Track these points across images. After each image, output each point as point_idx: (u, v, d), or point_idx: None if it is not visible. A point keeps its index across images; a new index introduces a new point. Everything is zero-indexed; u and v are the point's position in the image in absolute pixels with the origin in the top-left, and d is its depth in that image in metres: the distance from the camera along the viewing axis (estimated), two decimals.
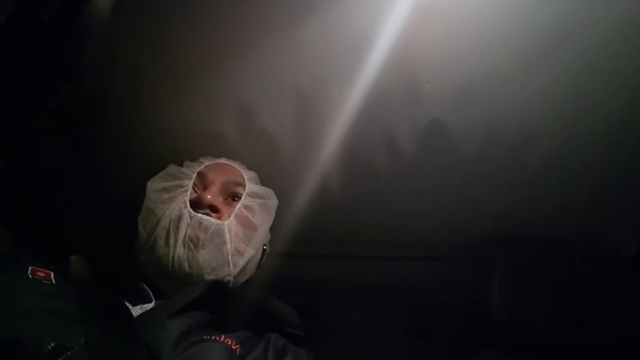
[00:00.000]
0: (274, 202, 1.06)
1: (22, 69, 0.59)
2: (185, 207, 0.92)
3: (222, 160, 1.06)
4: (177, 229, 0.89)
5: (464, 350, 1.06)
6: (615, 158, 1.08)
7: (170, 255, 0.88)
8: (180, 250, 0.88)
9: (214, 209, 0.94)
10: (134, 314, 0.83)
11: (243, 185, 1.01)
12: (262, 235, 1.00)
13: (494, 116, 1.06)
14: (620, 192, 1.12)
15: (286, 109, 1.08)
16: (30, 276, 0.80)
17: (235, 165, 1.06)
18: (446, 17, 0.98)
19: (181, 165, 1.05)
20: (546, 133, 1.06)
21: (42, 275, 0.82)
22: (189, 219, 0.90)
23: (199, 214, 0.91)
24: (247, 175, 1.04)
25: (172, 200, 0.94)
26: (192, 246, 0.89)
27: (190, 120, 1.09)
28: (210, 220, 0.91)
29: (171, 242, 0.89)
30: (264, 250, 1.04)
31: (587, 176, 1.10)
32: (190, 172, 1.00)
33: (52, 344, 0.66)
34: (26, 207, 1.05)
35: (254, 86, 1.06)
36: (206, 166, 1.02)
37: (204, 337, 0.79)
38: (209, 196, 0.94)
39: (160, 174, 1.01)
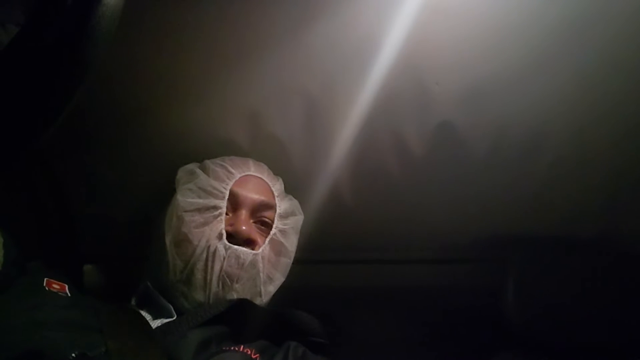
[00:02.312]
0: (300, 218, 1.06)
1: (35, 75, 0.59)
2: (222, 239, 0.90)
3: (252, 171, 1.02)
4: (213, 262, 0.89)
5: (480, 353, 1.05)
6: (629, 157, 1.08)
7: (207, 293, 0.88)
8: (214, 287, 0.89)
9: (249, 241, 0.93)
10: (153, 326, 0.83)
11: (274, 207, 0.99)
12: (291, 260, 1.01)
13: (505, 118, 1.05)
14: (635, 190, 1.11)
15: (295, 114, 1.07)
16: (46, 288, 0.80)
17: (264, 176, 1.03)
18: (454, 18, 0.98)
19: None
20: (558, 134, 1.06)
21: (57, 287, 0.82)
22: (224, 252, 0.89)
23: (235, 247, 0.90)
24: (276, 190, 1.02)
25: (206, 225, 0.91)
26: (227, 282, 0.89)
27: (199, 126, 1.08)
28: (246, 253, 0.91)
29: (207, 277, 0.88)
30: None
31: (601, 176, 1.09)
32: (222, 189, 0.95)
33: (74, 354, 0.66)
34: (39, 217, 1.05)
35: (262, 91, 1.05)
36: (236, 182, 0.98)
37: (224, 348, 0.79)
38: (244, 228, 0.92)
39: (189, 185, 0.96)
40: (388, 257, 1.21)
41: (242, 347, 0.80)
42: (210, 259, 0.89)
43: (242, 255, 0.90)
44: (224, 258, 0.89)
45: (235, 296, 0.89)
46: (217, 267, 0.88)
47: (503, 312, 1.05)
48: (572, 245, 1.13)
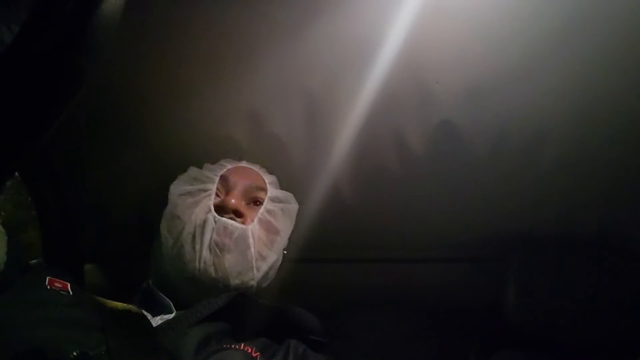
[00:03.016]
0: (294, 206, 1.07)
1: (36, 74, 0.59)
2: (210, 211, 0.93)
3: (244, 164, 1.07)
4: (203, 234, 0.90)
5: (481, 352, 1.06)
6: (629, 156, 1.07)
7: (197, 261, 0.89)
8: (206, 256, 0.89)
9: (238, 214, 0.95)
10: (153, 323, 0.83)
11: (265, 189, 1.02)
12: (284, 239, 1.02)
13: (505, 116, 1.05)
14: (635, 189, 1.10)
15: (296, 113, 1.08)
16: (48, 286, 0.80)
17: (256, 168, 1.07)
18: (455, 17, 0.98)
19: (200, 167, 1.05)
20: (559, 132, 1.05)
21: (60, 286, 0.82)
22: (213, 223, 0.91)
23: (224, 219, 0.92)
24: (268, 179, 1.05)
25: (196, 205, 0.94)
26: (217, 251, 0.90)
27: (200, 126, 1.09)
28: (234, 225, 0.92)
29: (197, 247, 0.90)
30: (283, 255, 1.04)
31: (602, 174, 1.09)
32: (213, 176, 1.00)
33: (75, 353, 0.66)
34: (41, 216, 1.05)
35: (263, 91, 1.06)
36: (228, 170, 1.03)
37: (224, 345, 0.79)
38: (233, 200, 0.95)
39: (183, 176, 1.02)
40: (388, 256, 1.21)
41: (242, 345, 0.81)
42: (199, 230, 0.91)
43: (230, 226, 0.92)
44: (213, 229, 0.91)
45: (226, 266, 0.90)
46: (206, 237, 0.90)
47: (503, 310, 1.05)
48: (573, 244, 1.12)
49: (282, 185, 1.10)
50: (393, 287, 1.18)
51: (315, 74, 1.04)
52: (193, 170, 1.03)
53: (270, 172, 1.09)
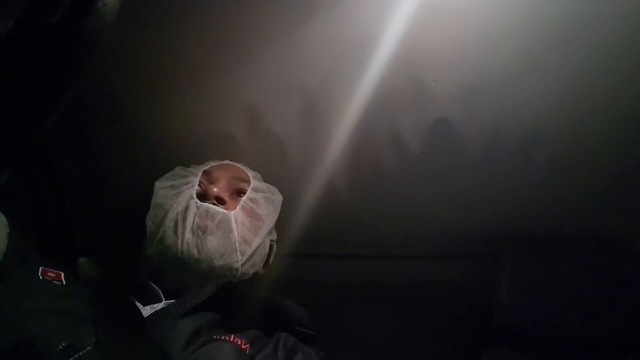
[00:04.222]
0: (278, 197, 1.09)
1: (31, 71, 0.59)
2: (192, 198, 0.95)
3: (227, 162, 1.09)
4: (185, 218, 0.92)
5: (473, 350, 1.06)
6: (622, 156, 1.07)
7: (179, 243, 0.90)
8: (189, 237, 0.90)
9: (220, 200, 0.96)
10: (144, 314, 0.84)
11: (247, 181, 1.04)
12: (268, 226, 1.02)
13: (501, 115, 1.05)
14: (628, 189, 1.11)
15: (292, 111, 1.08)
16: (40, 277, 0.81)
17: (240, 165, 1.08)
18: (451, 16, 0.98)
19: (196, 163, 1.07)
20: (553, 132, 1.06)
21: (53, 275, 0.83)
22: (195, 208, 0.93)
23: (205, 204, 0.94)
24: (251, 174, 1.07)
25: (179, 195, 0.96)
26: (200, 233, 0.91)
27: (197, 123, 1.10)
28: (216, 209, 0.94)
29: (179, 230, 0.91)
30: (271, 246, 1.05)
31: (595, 174, 1.09)
32: (196, 171, 1.03)
33: (63, 344, 0.67)
34: (37, 210, 1.06)
35: (260, 88, 1.06)
36: (212, 166, 1.05)
37: (214, 337, 0.79)
38: (215, 189, 0.97)
39: (167, 174, 1.04)
40: (382, 253, 1.21)
41: (232, 336, 0.81)
42: (181, 216, 0.93)
43: (212, 210, 0.94)
44: (195, 213, 0.93)
45: (209, 246, 0.91)
46: (189, 220, 0.92)
47: (495, 309, 1.05)
48: (565, 242, 1.13)
49: (278, 182, 1.11)
50: (387, 284, 1.19)
51: (312, 71, 1.05)
52: (178, 168, 1.05)
53: (257, 170, 1.10)
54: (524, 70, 1.01)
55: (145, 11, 0.97)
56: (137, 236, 0.98)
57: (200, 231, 0.91)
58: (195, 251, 0.90)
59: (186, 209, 0.93)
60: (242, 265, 0.95)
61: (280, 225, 1.09)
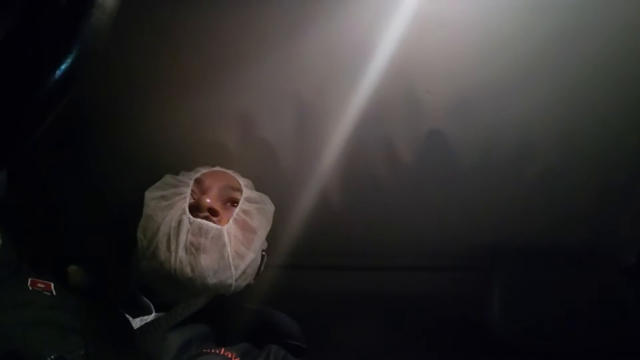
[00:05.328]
0: (270, 207, 1.07)
1: (27, 73, 0.58)
2: (185, 212, 0.92)
3: (218, 168, 1.07)
4: (178, 234, 0.90)
5: None
6: (614, 169, 1.08)
7: (172, 260, 0.88)
8: (182, 255, 0.88)
9: (213, 212, 0.94)
10: (134, 325, 0.83)
11: (240, 190, 1.02)
12: (261, 238, 1.01)
13: (494, 127, 1.06)
14: (619, 202, 1.11)
15: (286, 120, 1.08)
16: (29, 288, 0.80)
17: (231, 172, 1.07)
18: (445, 27, 0.99)
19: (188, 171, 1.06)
20: (546, 144, 1.06)
21: (42, 286, 0.82)
22: (188, 224, 0.91)
23: (198, 219, 0.91)
24: (243, 181, 1.05)
25: (171, 207, 0.94)
26: (193, 250, 0.89)
27: (190, 131, 1.09)
28: (209, 224, 0.92)
29: (172, 247, 0.89)
30: (262, 255, 1.04)
31: (586, 187, 1.10)
32: (188, 180, 1.00)
33: (52, 356, 0.66)
34: (26, 218, 1.05)
35: (253, 97, 1.06)
36: (203, 173, 1.03)
37: (204, 350, 0.79)
38: (207, 200, 0.94)
39: (157, 183, 1.02)
40: (375, 264, 1.20)
41: (222, 350, 0.80)
42: (174, 231, 0.90)
43: (205, 226, 0.91)
44: (189, 230, 0.90)
45: (203, 264, 0.89)
46: (182, 237, 0.89)
47: (487, 320, 1.05)
48: (557, 254, 1.13)
49: (271, 191, 1.09)
50: (379, 295, 1.18)
51: (306, 81, 1.05)
52: (168, 177, 1.04)
53: (249, 179, 1.09)
54: (518, 82, 1.02)
55: (139, 18, 0.97)
56: (128, 244, 0.98)
57: (194, 248, 0.89)
58: (188, 269, 0.88)
59: (179, 224, 0.91)
60: (235, 280, 0.94)
61: (271, 235, 1.08)
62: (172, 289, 0.90)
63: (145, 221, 0.95)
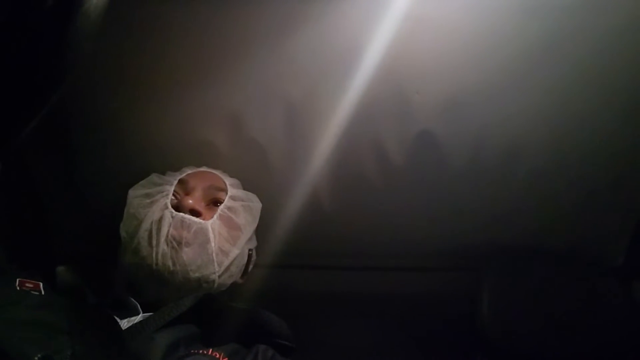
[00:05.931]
0: (257, 204, 1.07)
1: (15, 72, 0.59)
2: (167, 207, 0.92)
3: (204, 169, 1.07)
4: (159, 229, 0.89)
5: None
6: (602, 170, 1.09)
7: (154, 255, 0.88)
8: (163, 249, 0.88)
9: (195, 213, 0.93)
10: (122, 326, 0.83)
11: (225, 190, 1.01)
12: (246, 236, 1.00)
13: (483, 128, 1.06)
14: (607, 204, 1.12)
15: (275, 120, 1.08)
16: (17, 287, 0.80)
17: (217, 172, 1.06)
18: (435, 28, 0.99)
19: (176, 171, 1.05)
20: (535, 145, 1.07)
21: (31, 286, 0.82)
22: (170, 218, 0.90)
23: (181, 214, 0.91)
24: (229, 181, 1.05)
25: (153, 204, 0.94)
26: (175, 244, 0.89)
27: (179, 131, 1.08)
28: (192, 218, 0.92)
29: (154, 242, 0.89)
30: (249, 255, 1.03)
31: (575, 188, 1.11)
32: (172, 179, 1.00)
33: (38, 356, 0.66)
34: (14, 219, 1.04)
35: (243, 97, 1.06)
36: (187, 174, 1.02)
37: (192, 350, 0.79)
38: (190, 201, 0.94)
39: (142, 182, 1.02)
40: (364, 264, 1.20)
41: (210, 350, 0.80)
42: (155, 226, 0.90)
43: (187, 220, 0.91)
44: (170, 224, 0.90)
45: (184, 258, 0.89)
46: (163, 231, 0.89)
47: (477, 321, 1.05)
48: (546, 255, 1.14)
49: (260, 191, 1.09)
50: (368, 296, 1.18)
51: (296, 81, 1.05)
52: (153, 176, 1.03)
53: (239, 179, 1.09)
54: (507, 84, 1.02)
55: (127, 18, 0.96)
56: (116, 244, 0.97)
57: (175, 242, 0.89)
58: (170, 263, 0.88)
59: (160, 219, 0.90)
60: (219, 276, 0.93)
61: (260, 235, 1.08)
62: (155, 284, 0.90)
63: (127, 219, 0.95)
